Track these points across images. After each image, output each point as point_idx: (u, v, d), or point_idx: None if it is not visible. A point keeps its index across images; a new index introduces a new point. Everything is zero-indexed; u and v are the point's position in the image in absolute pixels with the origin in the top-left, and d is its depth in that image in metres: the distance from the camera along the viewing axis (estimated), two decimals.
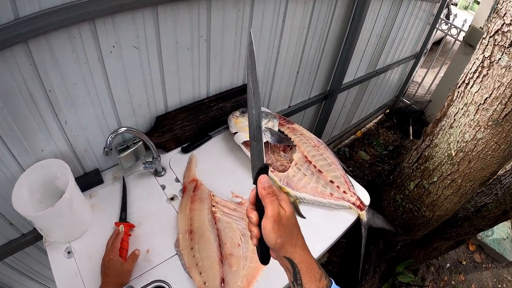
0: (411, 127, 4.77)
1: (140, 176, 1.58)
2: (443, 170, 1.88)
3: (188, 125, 1.70)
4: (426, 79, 4.85)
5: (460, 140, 1.71)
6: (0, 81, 1.02)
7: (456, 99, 1.75)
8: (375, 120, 4.95)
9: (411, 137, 4.65)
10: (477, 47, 1.60)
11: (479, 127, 1.60)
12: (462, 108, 1.69)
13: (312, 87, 2.65)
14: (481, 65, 1.54)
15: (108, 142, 1.27)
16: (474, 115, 1.61)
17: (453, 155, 1.77)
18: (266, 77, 2.09)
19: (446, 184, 1.89)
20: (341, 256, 2.90)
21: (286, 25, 1.90)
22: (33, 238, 1.50)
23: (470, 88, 1.61)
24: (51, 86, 1.15)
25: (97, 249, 1.24)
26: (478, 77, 1.56)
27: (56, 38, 1.07)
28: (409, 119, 4.84)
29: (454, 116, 1.74)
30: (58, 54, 1.10)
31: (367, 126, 4.76)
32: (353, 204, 1.53)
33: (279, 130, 1.77)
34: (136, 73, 1.38)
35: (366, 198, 1.61)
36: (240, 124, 1.72)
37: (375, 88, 3.85)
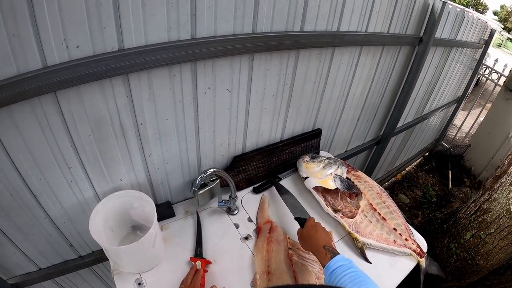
0: (450, 171, 4.68)
1: (212, 213, 1.61)
2: (501, 223, 1.95)
3: (261, 167, 1.76)
4: (466, 122, 4.80)
5: None
6: (93, 109, 1.04)
7: None
8: (415, 163, 4.90)
9: (450, 182, 4.56)
10: None
11: None
12: None
13: (367, 132, 2.69)
14: None
15: (197, 182, 1.32)
16: None
17: None
18: (332, 123, 2.16)
19: (503, 236, 1.96)
20: None
21: (356, 76, 1.97)
22: (90, 261, 1.50)
23: None
24: (143, 120, 1.19)
25: (169, 283, 1.24)
26: None
27: (157, 74, 1.11)
28: (448, 163, 4.76)
29: None
30: (156, 89, 1.15)
31: (406, 169, 4.72)
32: (414, 251, 1.54)
33: (346, 177, 1.80)
34: (224, 115, 1.45)
35: (424, 245, 1.61)
36: (310, 170, 1.76)
37: (419, 132, 3.85)
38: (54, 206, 1.20)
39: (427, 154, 5.13)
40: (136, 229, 1.40)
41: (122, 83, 1.06)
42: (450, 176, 4.64)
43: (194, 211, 1.59)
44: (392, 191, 4.21)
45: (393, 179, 4.42)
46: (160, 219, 1.50)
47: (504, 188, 1.94)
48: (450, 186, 4.52)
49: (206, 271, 1.31)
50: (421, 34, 2.28)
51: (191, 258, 1.33)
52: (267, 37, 1.32)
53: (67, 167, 1.12)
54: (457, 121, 4.95)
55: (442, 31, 2.61)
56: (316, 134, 2.00)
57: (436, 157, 5.05)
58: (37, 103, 0.93)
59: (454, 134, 5.00)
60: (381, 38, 1.94)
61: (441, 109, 3.93)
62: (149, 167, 1.37)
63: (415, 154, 4.51)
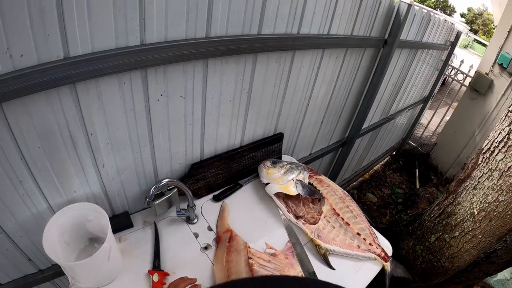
0: (417, 169, 4.77)
1: (171, 223, 1.55)
2: (465, 226, 1.98)
3: (221, 173, 1.71)
4: (433, 121, 4.92)
5: (483, 201, 1.85)
6: (41, 121, 1.00)
7: (480, 163, 1.88)
8: (382, 162, 4.96)
9: (417, 180, 4.65)
10: (502, 117, 1.69)
11: (501, 191, 1.73)
12: (486, 173, 1.83)
13: (332, 135, 2.68)
14: (507, 136, 1.67)
15: (151, 193, 1.27)
16: (497, 180, 1.75)
17: (476, 213, 1.90)
18: (294, 127, 2.12)
19: (467, 239, 1.99)
20: None
21: (318, 78, 1.95)
22: (51, 275, 1.45)
23: (495, 155, 1.76)
24: (94, 130, 1.14)
25: None
26: (503, 146, 1.71)
27: (105, 82, 1.06)
28: (415, 162, 4.85)
29: (478, 179, 1.90)
30: (105, 98, 1.09)
31: (374, 168, 4.77)
32: (378, 255, 1.55)
33: (308, 182, 1.78)
34: (178, 122, 1.39)
35: (389, 249, 1.62)
36: (271, 175, 1.72)
37: (385, 132, 3.89)
38: (9, 220, 1.14)
39: (394, 153, 5.21)
40: (94, 241, 1.34)
41: (70, 93, 1.00)
42: (417, 175, 4.73)
43: (152, 221, 1.53)
44: (360, 190, 4.25)
45: (360, 178, 4.46)
46: (117, 230, 1.45)
47: (468, 192, 1.97)
48: (418, 185, 4.61)
49: (164, 283, 1.27)
50: (386, 36, 2.28)
51: (149, 271, 1.29)
52: (221, 41, 1.27)
53: (18, 180, 1.07)
54: (423, 120, 5.05)
55: (408, 33, 2.62)
56: (277, 138, 1.96)
57: (403, 156, 5.14)
58: None
59: (421, 133, 5.09)
60: (344, 41, 1.92)
61: (407, 109, 3.99)
62: (103, 178, 1.31)
63: (382, 154, 4.57)
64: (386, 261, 1.54)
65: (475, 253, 2.02)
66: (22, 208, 1.14)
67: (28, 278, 1.38)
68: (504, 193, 1.70)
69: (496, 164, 1.74)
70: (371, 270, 1.53)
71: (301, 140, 2.31)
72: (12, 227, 1.17)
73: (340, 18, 1.78)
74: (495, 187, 1.76)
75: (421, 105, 4.52)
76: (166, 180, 1.31)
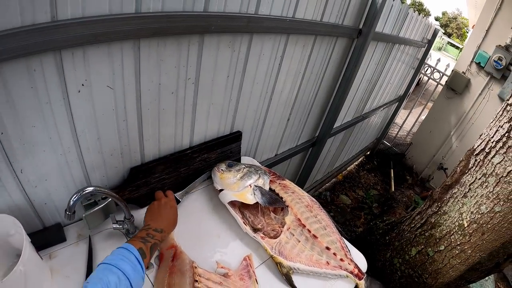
0: (392, 170, 4.75)
1: (109, 237, 1.34)
2: (452, 240, 1.82)
3: (167, 178, 1.48)
4: (408, 121, 4.92)
5: (475, 211, 1.66)
6: None
7: (472, 167, 1.68)
8: (356, 163, 4.93)
9: (392, 181, 4.60)
10: (499, 112, 1.49)
11: (498, 200, 1.53)
12: (479, 178, 1.64)
13: (301, 134, 2.53)
14: (506, 135, 1.45)
15: (71, 204, 1.03)
16: (493, 187, 1.56)
17: (465, 225, 1.73)
18: (255, 125, 1.93)
19: (454, 254, 1.83)
20: None
21: (282, 70, 1.76)
22: None
23: (492, 158, 1.55)
24: (4, 128, 0.93)
25: None
26: (502, 147, 1.50)
27: (11, 69, 0.86)
28: (390, 162, 4.84)
29: (470, 185, 1.71)
30: (13, 89, 0.89)
31: (348, 169, 4.72)
32: (351, 272, 1.40)
33: (270, 188, 1.59)
34: (109, 118, 1.17)
35: (363, 264, 1.48)
36: (226, 181, 1.51)
37: (359, 132, 3.84)
38: None
39: (368, 153, 5.20)
40: None
41: None
42: (392, 175, 4.71)
43: (87, 234, 1.32)
44: (333, 192, 4.18)
45: (334, 179, 4.39)
46: (47, 245, 1.25)
47: (456, 200, 1.80)
48: (393, 186, 4.57)
49: None
50: (361, 26, 2.15)
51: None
52: (155, 17, 1.05)
53: None
54: (398, 119, 5.07)
55: (384, 26, 2.54)
56: (235, 137, 1.75)
57: (377, 156, 5.13)
58: None
59: (396, 132, 5.09)
60: (312, 26, 1.74)
61: (382, 108, 3.95)
62: (24, 186, 1.09)
63: (356, 154, 4.53)
64: (360, 279, 1.39)
65: (463, 269, 1.86)
66: None
67: None
68: (502, 203, 1.52)
69: (493, 168, 1.56)
70: None
71: (264, 140, 2.13)
72: None
73: (308, 1, 1.59)
74: (490, 196, 1.58)
75: (396, 104, 4.52)
76: (90, 188, 1.08)
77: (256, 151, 2.14)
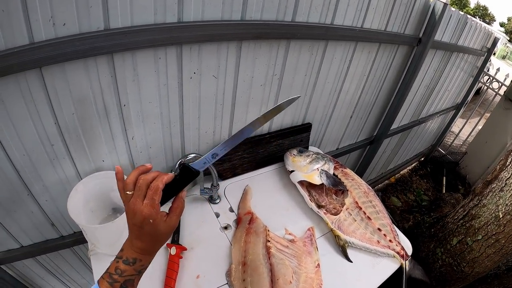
0: (444, 177, 4.67)
1: (194, 201, 1.59)
2: (489, 230, 1.91)
3: (246, 157, 1.74)
4: (464, 130, 4.79)
5: (509, 203, 1.77)
6: (77, 87, 1.04)
7: (509, 164, 1.79)
8: (409, 167, 4.88)
9: (443, 188, 4.55)
10: None
11: None
12: None
13: (361, 131, 2.67)
14: None
15: (176, 167, 1.30)
16: None
17: (500, 216, 1.82)
18: (323, 119, 2.14)
19: (490, 243, 1.92)
20: None
21: (350, 71, 1.95)
22: (71, 241, 1.50)
23: None
24: (127, 101, 1.18)
25: None
26: None
27: (141, 55, 1.11)
28: (443, 170, 4.76)
29: (506, 180, 1.81)
30: (140, 71, 1.14)
31: (401, 172, 4.71)
32: (398, 253, 1.50)
33: (333, 173, 1.78)
34: (209, 101, 1.43)
35: (408, 248, 1.57)
36: (297, 163, 1.73)
37: (415, 136, 3.84)
38: (36, 183, 1.19)
39: (422, 159, 5.12)
40: (117, 211, 1.38)
41: (106, 63, 1.05)
42: (444, 183, 4.63)
43: None
44: (385, 193, 4.20)
45: (386, 181, 4.41)
46: None
47: (494, 194, 1.91)
48: (444, 191, 4.50)
49: (181, 257, 1.30)
50: (421, 35, 2.25)
51: (167, 244, 1.31)
52: (256, 24, 1.30)
53: (50, 144, 1.12)
54: (455, 128, 4.93)
55: (443, 35, 2.59)
56: (305, 128, 1.98)
57: (431, 163, 5.04)
58: (22, 78, 0.93)
59: (451, 141, 4.98)
60: (377, 35, 1.91)
61: (439, 114, 3.92)
62: (131, 150, 1.36)
63: (410, 158, 4.49)
64: (404, 260, 1.50)
65: (497, 259, 1.96)
66: (51, 172, 1.20)
67: (49, 243, 1.45)
68: None
69: None
70: (389, 267, 1.49)
71: (329, 133, 2.32)
72: (39, 189, 1.22)
73: (374, 12, 1.77)
74: None
75: (453, 111, 4.41)
76: (193, 154, 1.36)
77: (321, 143, 2.33)
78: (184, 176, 0.82)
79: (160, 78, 1.20)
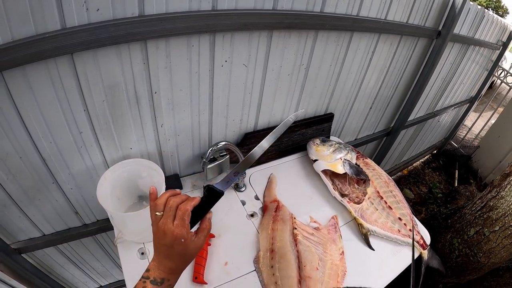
0: (457, 170, 4.67)
1: None
2: (506, 221, 1.95)
3: (271, 146, 1.75)
4: (477, 124, 4.79)
5: None
6: (108, 73, 1.05)
7: None
8: (422, 160, 4.90)
9: (456, 181, 4.56)
10: None
11: None
12: None
13: (378, 122, 2.70)
14: None
15: (208, 154, 1.34)
16: None
17: None
18: (344, 109, 2.17)
19: (507, 234, 1.96)
20: None
21: (372, 63, 1.97)
22: (94, 230, 1.54)
23: None
24: (158, 89, 1.21)
25: None
26: None
27: (175, 43, 1.12)
28: (456, 163, 4.75)
29: None
30: (173, 58, 1.16)
31: (413, 164, 4.72)
32: (417, 242, 1.54)
33: (355, 163, 1.81)
34: (238, 90, 1.46)
35: (427, 238, 1.62)
36: (320, 152, 1.77)
37: (429, 128, 3.85)
38: (62, 171, 1.22)
39: (435, 151, 5.12)
40: (142, 199, 1.41)
41: (140, 49, 1.06)
42: (456, 176, 4.64)
43: (201, 185, 1.61)
44: (398, 185, 4.15)
45: (399, 173, 4.43)
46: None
47: None
48: (456, 184, 4.51)
49: (209, 245, 1.34)
50: (440, 27, 2.26)
51: (194, 232, 1.35)
52: (287, 14, 1.33)
53: (78, 132, 1.14)
54: (467, 121, 4.92)
55: (461, 28, 2.59)
56: (328, 118, 2.01)
57: (444, 156, 5.04)
58: (52, 64, 0.95)
59: (464, 134, 4.97)
60: (400, 27, 1.93)
61: (453, 107, 3.92)
62: (160, 138, 1.39)
63: (423, 150, 4.50)
64: (424, 249, 1.54)
65: None
66: (78, 159, 1.23)
67: (71, 231, 1.49)
68: None
69: None
70: (409, 255, 1.50)
71: (349, 124, 2.35)
72: (65, 178, 1.25)
73: (398, 4, 1.79)
74: None
75: (467, 105, 4.40)
76: (223, 142, 1.39)
77: (341, 133, 2.37)
78: (209, 198, 0.87)
79: (192, 65, 1.23)
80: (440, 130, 4.40)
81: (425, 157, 4.99)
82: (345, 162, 1.72)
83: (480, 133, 4.89)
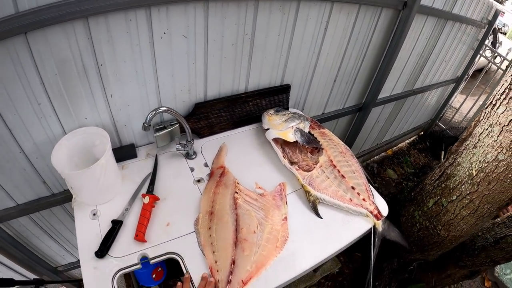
0: (443, 152, 4.64)
1: (171, 157, 1.68)
2: (463, 190, 1.87)
3: (223, 116, 1.80)
4: (464, 105, 4.72)
5: (482, 160, 1.71)
6: (58, 49, 1.16)
7: (482, 119, 1.74)
8: (408, 141, 4.87)
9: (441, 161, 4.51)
10: (508, 69, 1.58)
11: (501, 149, 1.59)
12: (487, 129, 1.69)
13: (347, 97, 2.68)
14: (509, 87, 1.54)
15: (148, 118, 1.37)
16: (497, 136, 1.60)
17: (474, 174, 1.77)
18: (303, 81, 2.16)
19: (464, 204, 1.88)
20: (354, 270, 2.90)
21: (328, 34, 1.96)
22: (62, 199, 1.63)
23: (497, 109, 1.61)
24: (103, 61, 1.29)
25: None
26: (505, 98, 1.56)
27: (114, 18, 1.21)
28: (442, 144, 4.72)
29: (479, 136, 1.75)
30: (113, 32, 1.24)
31: (399, 145, 4.70)
32: (371, 212, 1.54)
33: (309, 132, 1.82)
34: (182, 60, 1.50)
35: (384, 209, 1.60)
36: (273, 122, 1.79)
37: (411, 107, 3.82)
38: (27, 141, 1.33)
39: (421, 133, 5.10)
40: None
41: (83, 26, 1.16)
42: (442, 157, 4.59)
43: (155, 153, 1.67)
44: (381, 165, 4.23)
45: (383, 153, 4.43)
46: (122, 159, 1.61)
47: (468, 151, 1.85)
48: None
49: (153, 206, 1.40)
50: None
51: (142, 195, 1.41)
52: None
53: (37, 103, 1.25)
54: (456, 103, 4.86)
55: (434, 0, 2.54)
56: (283, 89, 2.02)
57: (430, 137, 5.01)
58: (10, 44, 1.07)
59: (452, 116, 4.92)
60: None
61: (436, 86, 3.87)
62: (111, 108, 1.46)
63: (407, 131, 4.47)
64: (378, 219, 1.53)
65: (473, 222, 1.91)
66: (40, 130, 1.33)
67: (41, 201, 1.58)
68: (504, 151, 1.56)
69: (497, 118, 1.60)
70: (361, 225, 1.53)
71: (312, 97, 2.34)
72: (30, 147, 1.35)
73: None
74: (494, 144, 1.62)
75: (453, 85, 4.34)
76: (163, 108, 1.42)
77: (304, 106, 2.37)
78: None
79: (132, 38, 1.30)
80: (425, 110, 4.35)
81: (411, 138, 4.97)
82: (297, 131, 1.73)
83: (468, 115, 4.83)
